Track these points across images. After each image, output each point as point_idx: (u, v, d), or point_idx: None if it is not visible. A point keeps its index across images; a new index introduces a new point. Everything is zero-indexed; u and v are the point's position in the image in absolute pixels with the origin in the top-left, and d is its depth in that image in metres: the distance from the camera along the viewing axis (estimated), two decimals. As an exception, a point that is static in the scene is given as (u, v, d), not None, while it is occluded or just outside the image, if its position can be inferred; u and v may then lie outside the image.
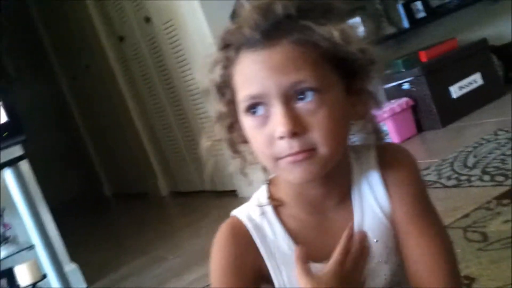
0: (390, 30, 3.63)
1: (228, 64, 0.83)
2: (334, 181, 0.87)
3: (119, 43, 4.40)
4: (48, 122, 6.25)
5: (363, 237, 0.86)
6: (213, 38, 3.20)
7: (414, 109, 3.39)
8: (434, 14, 3.74)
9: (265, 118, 0.80)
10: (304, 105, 0.78)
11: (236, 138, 0.88)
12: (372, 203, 0.89)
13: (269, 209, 0.90)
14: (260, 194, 0.93)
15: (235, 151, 0.90)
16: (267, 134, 0.79)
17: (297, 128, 0.77)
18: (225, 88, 0.85)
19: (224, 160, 0.95)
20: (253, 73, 0.79)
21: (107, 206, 5.86)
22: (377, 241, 0.88)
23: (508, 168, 2.14)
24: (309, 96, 0.78)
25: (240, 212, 0.92)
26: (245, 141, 0.87)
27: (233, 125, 0.87)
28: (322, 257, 0.87)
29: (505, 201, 1.82)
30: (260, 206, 0.91)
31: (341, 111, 0.81)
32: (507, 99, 3.40)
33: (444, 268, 0.85)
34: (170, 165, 4.49)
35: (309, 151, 0.78)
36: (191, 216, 3.82)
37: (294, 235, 0.88)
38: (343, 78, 0.82)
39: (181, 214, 4.21)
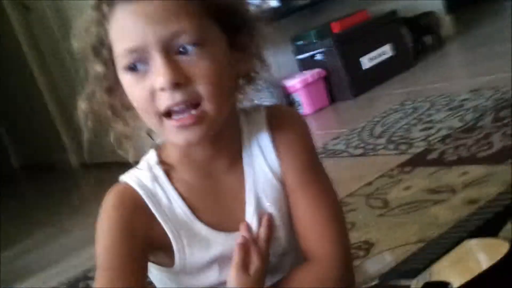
0: (303, 1, 3.62)
1: (102, 21, 0.78)
2: (223, 143, 0.85)
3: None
4: None
5: (270, 219, 0.84)
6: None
7: (327, 80, 3.42)
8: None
9: (145, 73, 0.75)
10: (185, 58, 0.75)
11: (116, 102, 0.83)
12: (263, 165, 0.87)
13: (160, 174, 0.86)
14: (149, 158, 0.88)
15: (116, 114, 0.85)
16: (148, 88, 0.75)
17: (179, 78, 0.74)
18: (101, 47, 0.80)
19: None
20: (129, 25, 0.75)
21: (14, 177, 5.64)
22: (270, 204, 0.87)
23: (412, 137, 2.19)
24: (192, 49, 0.75)
25: (130, 178, 0.87)
26: (126, 106, 0.83)
27: (113, 88, 0.82)
28: (215, 222, 0.85)
29: (406, 169, 1.86)
30: (150, 170, 0.86)
31: (224, 65, 0.78)
32: (416, 70, 3.48)
33: (333, 235, 0.85)
34: (80, 137, 4.34)
35: (194, 109, 0.75)
36: (101, 188, 3.72)
37: (187, 200, 0.85)
38: (225, 32, 0.80)
39: (91, 187, 4.10)
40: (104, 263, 0.82)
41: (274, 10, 3.22)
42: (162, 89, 0.74)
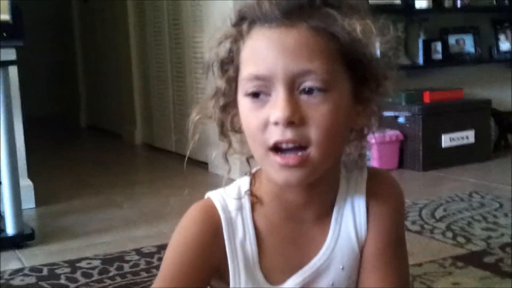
0: (404, 61, 3.63)
1: (238, 38, 0.78)
2: (318, 192, 0.83)
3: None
4: (47, 36, 6.19)
5: None
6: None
7: (402, 144, 3.41)
8: (450, 59, 3.75)
9: (265, 103, 0.75)
10: (308, 98, 0.74)
11: (227, 122, 0.84)
12: (350, 228, 0.86)
13: (246, 206, 0.86)
14: (242, 185, 0.88)
15: (223, 133, 0.86)
16: (263, 118, 0.75)
17: (295, 118, 0.73)
18: (229, 64, 0.80)
19: (204, 130, 0.91)
20: (263, 52, 0.74)
21: (78, 135, 5.81)
22: (343, 268, 0.86)
23: (472, 232, 2.16)
24: (316, 92, 0.74)
25: (217, 199, 0.87)
26: (235, 128, 0.84)
27: (228, 106, 0.83)
28: (284, 268, 0.85)
29: (459, 264, 1.84)
30: (239, 199, 0.86)
31: (343, 114, 0.77)
32: (491, 164, 3.44)
33: None
34: (152, 118, 4.45)
35: (301, 152, 0.74)
36: (156, 172, 3.81)
37: (262, 238, 0.85)
38: (353, 81, 0.78)
39: (147, 168, 4.19)
40: (167, 274, 0.83)
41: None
42: (276, 124, 0.73)
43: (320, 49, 0.73)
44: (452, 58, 3.78)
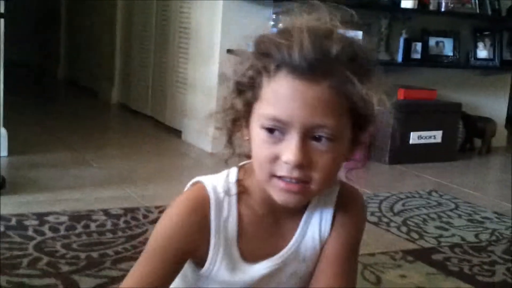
0: (383, 56, 3.71)
1: (263, 73, 0.86)
2: None
3: None
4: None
5: None
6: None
7: (371, 137, 3.50)
8: (428, 60, 3.85)
9: (278, 140, 0.84)
10: (316, 145, 0.84)
11: (234, 135, 0.93)
12: (315, 230, 0.98)
13: (233, 192, 0.95)
14: (231, 175, 0.97)
15: (230, 142, 0.94)
16: (275, 153, 0.84)
17: (304, 162, 0.83)
18: (248, 89, 0.88)
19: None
20: (286, 99, 0.82)
21: (55, 88, 5.80)
22: (304, 260, 0.98)
23: (426, 229, 2.28)
24: (324, 141, 0.84)
25: (208, 182, 0.96)
26: (238, 143, 0.93)
27: (237, 122, 0.92)
28: (258, 252, 0.95)
29: (409, 258, 1.95)
30: (228, 186, 0.95)
31: (342, 158, 0.89)
32: (455, 165, 3.57)
33: None
34: (130, 80, 4.49)
35: (303, 184, 0.85)
36: (130, 135, 3.86)
37: (243, 223, 0.95)
38: (353, 130, 0.89)
39: (121, 130, 4.23)
40: (154, 250, 0.92)
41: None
42: (286, 163, 0.84)
43: (335, 107, 0.84)
44: (430, 59, 3.87)
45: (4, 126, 2.94)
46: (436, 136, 3.61)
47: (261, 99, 0.86)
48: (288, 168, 0.84)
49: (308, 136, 0.84)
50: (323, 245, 0.98)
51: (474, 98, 4.09)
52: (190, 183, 0.98)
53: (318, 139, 0.84)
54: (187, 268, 0.97)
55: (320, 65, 0.82)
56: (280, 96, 0.83)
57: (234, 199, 0.94)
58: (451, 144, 3.70)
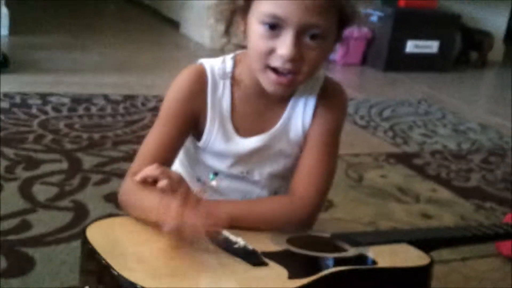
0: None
1: None
2: None
3: None
4: None
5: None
6: None
7: (368, 42, 3.56)
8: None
9: (275, 35, 0.94)
10: (308, 42, 0.94)
11: (231, 23, 1.01)
12: (299, 118, 1.08)
13: (228, 75, 1.06)
14: (227, 63, 1.07)
15: (227, 32, 1.03)
16: (271, 46, 0.94)
17: (297, 57, 0.93)
18: None
19: None
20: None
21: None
22: (289, 141, 1.09)
23: (410, 135, 2.39)
24: (316, 38, 0.94)
25: (207, 63, 1.07)
26: (235, 31, 1.01)
27: (235, 13, 1.00)
28: (241, 128, 1.06)
29: (391, 160, 2.07)
30: (223, 69, 1.05)
31: (328, 53, 0.99)
32: (448, 77, 3.64)
33: (318, 184, 1.06)
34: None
35: (292, 75, 0.96)
36: (129, 24, 3.88)
37: (236, 102, 1.06)
38: (338, 27, 0.98)
39: (119, 18, 4.23)
40: (165, 115, 1.04)
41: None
42: (281, 57, 0.93)
43: (327, 9, 0.93)
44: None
45: (6, 5, 2.96)
46: (432, 46, 3.66)
47: None
48: (282, 60, 0.94)
49: (301, 33, 0.93)
50: (306, 131, 1.08)
51: (475, 11, 4.09)
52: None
53: (311, 37, 0.94)
54: (189, 142, 1.08)
55: None
56: None
57: (228, 81, 1.06)
58: (447, 55, 3.75)
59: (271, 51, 0.95)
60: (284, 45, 0.93)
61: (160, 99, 2.24)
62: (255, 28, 0.96)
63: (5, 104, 2.03)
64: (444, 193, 1.85)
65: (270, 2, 0.93)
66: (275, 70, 0.96)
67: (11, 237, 1.27)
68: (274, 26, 0.93)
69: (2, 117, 1.91)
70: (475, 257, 1.47)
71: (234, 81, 1.06)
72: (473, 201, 1.82)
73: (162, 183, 0.89)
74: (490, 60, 4.13)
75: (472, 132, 2.55)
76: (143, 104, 2.25)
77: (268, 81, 0.98)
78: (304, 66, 0.95)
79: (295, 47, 0.93)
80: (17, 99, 2.10)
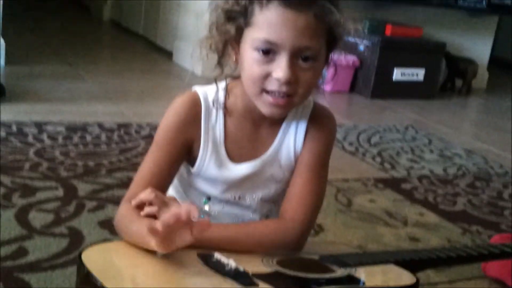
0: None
1: (255, 3, 0.99)
2: None
3: None
4: None
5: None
6: None
7: (356, 70, 3.64)
8: (418, -1, 3.93)
9: (270, 60, 0.99)
10: (301, 64, 0.99)
11: (224, 53, 1.06)
12: (291, 140, 1.13)
13: (221, 102, 1.10)
14: (220, 88, 1.11)
15: (220, 63, 1.07)
16: (266, 71, 0.99)
17: (292, 79, 0.99)
18: (239, 16, 1.01)
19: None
20: (278, 25, 0.97)
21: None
22: (281, 166, 1.13)
23: (398, 161, 2.45)
24: (309, 60, 0.99)
25: (201, 91, 1.11)
26: (226, 59, 1.06)
27: (227, 44, 1.05)
28: (242, 154, 1.11)
29: (380, 185, 2.12)
30: (217, 97, 1.09)
31: (320, 74, 1.05)
32: (434, 104, 3.72)
33: (308, 208, 1.10)
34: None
35: (288, 97, 1.00)
36: (122, 53, 3.94)
37: (229, 129, 1.10)
38: (327, 49, 1.03)
39: (114, 47, 4.30)
40: (160, 141, 1.08)
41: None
42: (277, 80, 0.98)
43: (318, 32, 0.99)
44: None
45: (2, 36, 3.01)
46: (418, 74, 3.74)
47: (253, 25, 1.00)
48: (278, 83, 0.99)
49: (295, 56, 0.98)
50: (297, 156, 1.13)
51: (459, 39, 4.19)
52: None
53: (303, 59, 0.99)
54: (182, 168, 1.12)
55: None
56: (273, 22, 0.97)
57: (221, 111, 1.10)
58: (432, 82, 3.84)
59: (266, 76, 1.00)
60: (279, 69, 0.98)
61: (153, 127, 2.29)
62: (249, 55, 1.01)
63: (1, 133, 2.07)
64: (431, 217, 1.90)
65: (263, 29, 0.98)
66: (271, 93, 1.00)
67: (8, 263, 1.30)
68: (268, 51, 0.98)
69: (-1, 145, 1.96)
70: (462, 279, 1.52)
71: (227, 110, 1.10)
72: (460, 224, 1.87)
73: (147, 209, 0.91)
74: (474, 87, 4.23)
75: (458, 157, 2.62)
76: (137, 132, 2.30)
77: (265, 104, 1.02)
78: (300, 88, 1.00)
79: (290, 70, 0.98)
80: (14, 128, 2.14)
